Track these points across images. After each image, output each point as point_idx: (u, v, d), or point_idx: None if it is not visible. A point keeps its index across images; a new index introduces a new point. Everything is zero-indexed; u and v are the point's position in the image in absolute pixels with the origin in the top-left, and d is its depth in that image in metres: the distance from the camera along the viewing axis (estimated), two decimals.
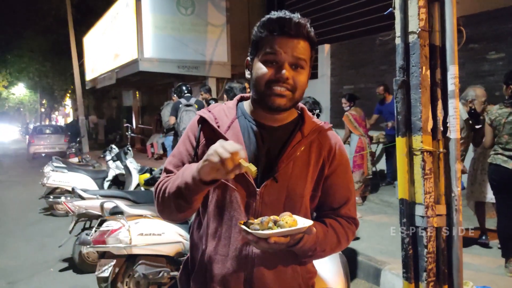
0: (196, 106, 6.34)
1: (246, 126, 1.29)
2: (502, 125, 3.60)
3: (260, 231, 1.06)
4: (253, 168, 1.03)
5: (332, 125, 1.38)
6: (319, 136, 1.31)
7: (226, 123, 1.29)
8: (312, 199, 1.32)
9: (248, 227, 1.09)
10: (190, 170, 1.13)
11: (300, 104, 1.37)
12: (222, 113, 1.32)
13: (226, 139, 1.23)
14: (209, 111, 1.33)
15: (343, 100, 6.48)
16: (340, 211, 1.34)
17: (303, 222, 1.12)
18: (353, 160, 6.23)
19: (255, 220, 1.12)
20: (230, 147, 1.02)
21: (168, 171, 1.32)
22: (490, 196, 4.19)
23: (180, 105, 6.45)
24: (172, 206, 1.20)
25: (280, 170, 1.23)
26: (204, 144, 1.29)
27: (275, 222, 1.10)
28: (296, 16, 1.20)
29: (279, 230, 1.07)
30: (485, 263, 3.87)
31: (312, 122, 1.32)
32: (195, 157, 1.29)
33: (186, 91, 6.66)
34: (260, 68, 1.20)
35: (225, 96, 5.60)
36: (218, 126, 1.27)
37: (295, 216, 1.14)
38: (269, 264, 1.25)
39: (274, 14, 1.21)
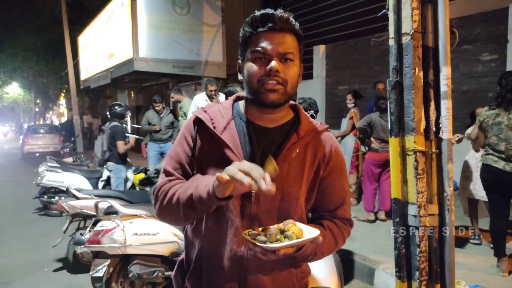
0: (109, 132, 5.83)
1: (241, 127, 1.28)
2: (489, 127, 3.64)
3: (270, 245, 1.04)
4: (271, 165, 1.02)
5: (328, 126, 1.37)
6: (315, 137, 1.30)
7: (222, 123, 1.28)
8: (307, 200, 1.31)
9: (254, 238, 1.07)
10: (204, 185, 1.13)
11: (296, 105, 1.38)
12: (218, 113, 1.31)
13: (222, 140, 1.23)
14: (205, 111, 1.32)
15: (349, 97, 6.50)
16: (336, 213, 1.35)
17: (308, 231, 1.12)
18: (351, 161, 6.25)
19: (260, 230, 1.11)
20: (246, 166, 1.02)
21: (167, 173, 1.31)
22: (481, 194, 4.23)
23: (103, 128, 6.19)
24: (180, 214, 1.21)
25: None
26: (200, 145, 1.28)
27: (281, 232, 1.09)
28: (279, 11, 1.20)
29: (287, 242, 1.06)
30: (478, 263, 3.90)
31: (308, 123, 1.32)
32: (193, 158, 1.28)
33: (112, 113, 5.95)
34: (251, 67, 1.21)
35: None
36: (214, 127, 1.27)
37: (298, 224, 1.14)
38: (264, 265, 1.25)
39: (258, 12, 1.22)
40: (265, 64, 1.18)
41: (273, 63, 1.17)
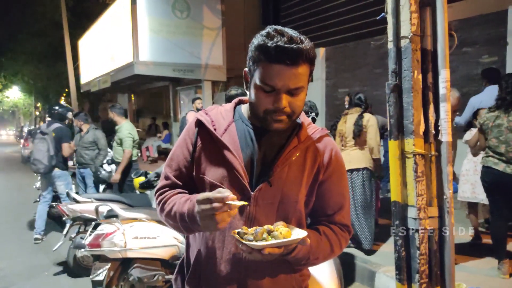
0: (54, 135, 5.48)
1: (243, 130, 1.29)
2: (490, 129, 3.64)
3: (254, 243, 1.06)
4: (237, 204, 1.08)
5: (329, 131, 1.38)
6: (316, 142, 1.31)
7: (223, 126, 1.29)
8: (306, 204, 1.32)
9: (242, 237, 1.09)
10: (193, 215, 1.15)
11: None
12: (219, 116, 1.32)
13: (221, 142, 1.24)
14: (207, 114, 1.33)
15: (346, 98, 6.50)
16: (334, 218, 1.35)
17: (297, 233, 1.12)
18: None
19: (249, 230, 1.13)
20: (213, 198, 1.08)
21: (166, 177, 1.34)
22: (481, 197, 4.23)
23: (38, 131, 5.63)
24: (181, 228, 1.25)
25: (275, 174, 1.23)
26: (200, 147, 1.29)
27: (269, 233, 1.10)
28: (295, 42, 1.11)
29: (273, 241, 1.07)
30: (478, 265, 3.90)
31: (309, 128, 1.33)
32: (192, 161, 1.30)
33: (54, 114, 5.70)
34: (258, 94, 1.18)
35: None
36: (215, 129, 1.28)
37: (290, 227, 1.15)
38: (263, 267, 1.25)
39: (271, 39, 1.12)
40: (273, 96, 1.15)
41: (281, 102, 1.15)
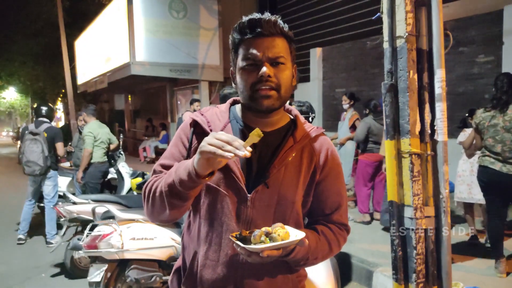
0: (46, 135, 5.31)
1: (238, 131, 1.29)
2: (486, 129, 3.65)
3: (253, 246, 1.06)
4: (257, 132, 1.03)
5: (324, 129, 1.38)
6: (311, 141, 1.31)
7: (219, 126, 1.28)
8: (303, 204, 1.32)
9: (241, 240, 1.09)
10: (184, 167, 1.11)
11: (294, 110, 1.38)
12: (215, 116, 1.32)
13: None
14: (202, 114, 1.32)
15: (344, 97, 6.51)
16: (332, 217, 1.35)
17: (295, 234, 1.12)
18: (352, 164, 6.26)
19: (247, 233, 1.13)
20: (224, 136, 1.02)
21: (156, 172, 1.30)
22: (478, 197, 4.25)
23: (26, 132, 5.41)
24: (165, 205, 1.17)
25: (271, 175, 1.23)
26: (196, 147, 1.28)
27: (267, 235, 1.10)
28: (266, 15, 1.21)
29: (271, 244, 1.07)
30: (475, 264, 3.91)
31: (304, 127, 1.32)
32: (188, 158, 1.28)
33: (42, 114, 5.57)
34: (243, 74, 1.21)
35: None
36: (211, 130, 1.27)
37: (287, 227, 1.14)
38: (260, 269, 1.25)
39: (245, 18, 1.22)
40: (257, 70, 1.18)
41: (264, 68, 1.17)
